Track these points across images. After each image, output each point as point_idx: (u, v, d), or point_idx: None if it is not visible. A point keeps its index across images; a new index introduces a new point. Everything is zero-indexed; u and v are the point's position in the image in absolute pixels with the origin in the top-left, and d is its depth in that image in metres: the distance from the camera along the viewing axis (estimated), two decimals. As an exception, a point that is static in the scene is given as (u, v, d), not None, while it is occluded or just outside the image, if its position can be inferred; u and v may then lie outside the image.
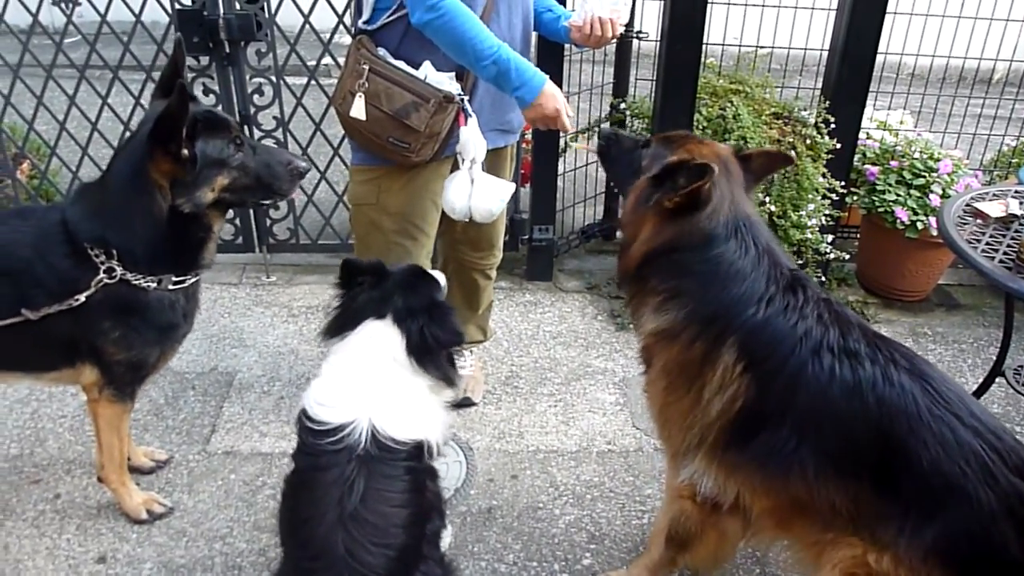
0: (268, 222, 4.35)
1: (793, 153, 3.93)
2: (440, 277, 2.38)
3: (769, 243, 2.17)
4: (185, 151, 2.30)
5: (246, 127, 4.05)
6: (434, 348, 2.13)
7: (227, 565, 2.74)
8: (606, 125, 4.59)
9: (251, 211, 4.30)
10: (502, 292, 4.30)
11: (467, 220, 2.73)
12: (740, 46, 4.40)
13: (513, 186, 2.76)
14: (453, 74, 2.67)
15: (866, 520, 1.94)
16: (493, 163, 2.97)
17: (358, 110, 2.66)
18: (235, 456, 3.20)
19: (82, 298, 2.36)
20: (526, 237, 4.39)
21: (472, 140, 2.63)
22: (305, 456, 2.05)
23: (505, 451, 3.29)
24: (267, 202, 2.66)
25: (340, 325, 2.17)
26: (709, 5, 3.80)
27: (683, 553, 2.39)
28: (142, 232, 2.40)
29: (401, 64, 2.63)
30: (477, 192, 2.66)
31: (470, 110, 2.65)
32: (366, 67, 2.62)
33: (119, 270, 2.40)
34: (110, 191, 2.42)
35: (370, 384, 2.06)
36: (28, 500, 2.97)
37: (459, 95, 2.64)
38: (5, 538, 2.81)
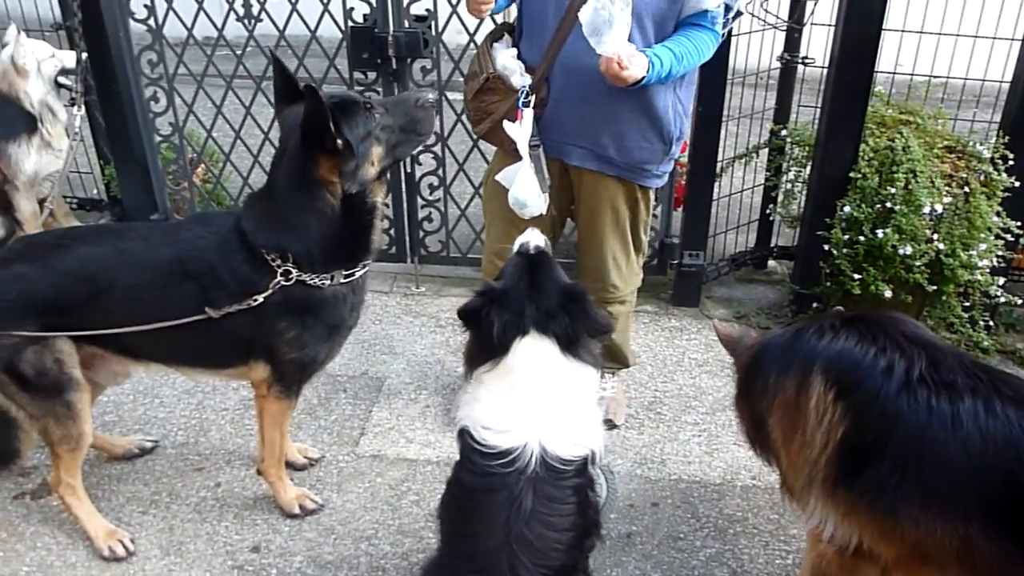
0: (421, 234, 4.46)
1: (966, 189, 3.75)
2: (538, 238, 2.33)
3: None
4: (340, 141, 2.41)
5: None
6: (584, 339, 2.14)
7: (372, 566, 2.82)
8: (764, 151, 4.50)
9: (405, 223, 4.43)
10: (647, 316, 4.26)
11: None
12: (912, 75, 4.23)
13: (535, 197, 2.79)
14: (522, 65, 2.79)
15: (983, 564, 1.88)
16: (595, 190, 2.98)
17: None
18: (382, 460, 3.29)
19: (260, 299, 2.51)
20: (675, 262, 4.33)
21: (519, 135, 2.73)
22: (473, 475, 2.06)
23: (647, 477, 3.25)
24: (417, 147, 2.80)
25: (487, 353, 2.15)
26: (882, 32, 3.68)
27: None
28: (317, 233, 2.53)
29: (498, 45, 2.85)
30: (515, 184, 2.80)
31: (523, 102, 2.73)
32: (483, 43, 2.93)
33: (295, 272, 2.53)
34: (281, 200, 2.55)
35: (535, 405, 2.06)
36: (191, 486, 3.14)
37: (522, 87, 2.74)
38: (170, 520, 2.99)
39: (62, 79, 4.46)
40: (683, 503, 3.13)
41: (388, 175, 2.82)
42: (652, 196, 3.15)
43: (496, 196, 3.03)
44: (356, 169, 2.48)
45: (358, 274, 2.69)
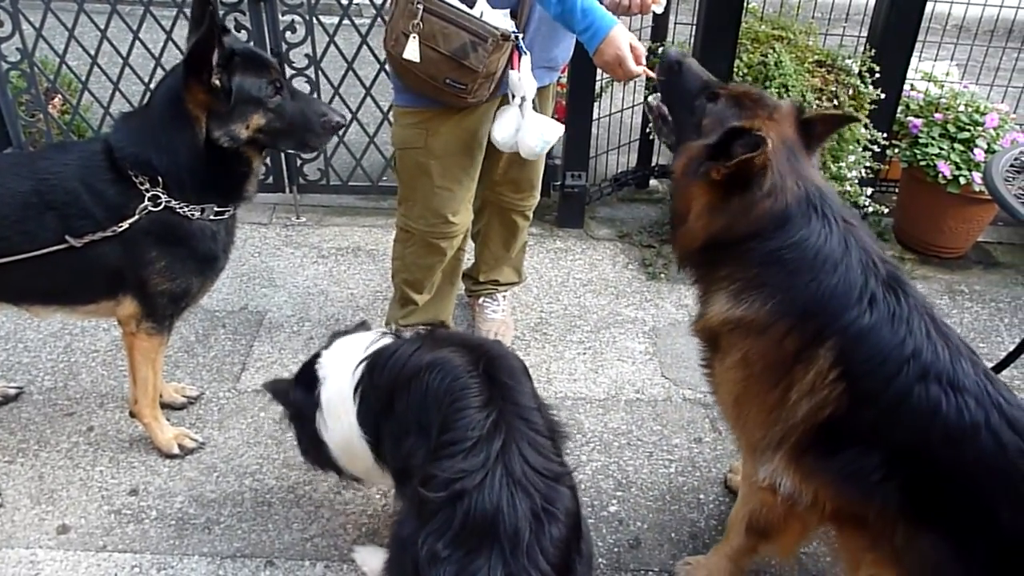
0: (298, 162, 4.31)
1: (836, 102, 3.84)
2: None
3: (849, 219, 2.02)
4: (217, 81, 2.32)
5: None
6: None
7: (257, 501, 2.77)
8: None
9: (282, 152, 4.27)
10: (532, 238, 4.25)
11: (511, 152, 2.72)
12: (784, -9, 4.28)
13: (562, 128, 2.73)
14: (508, 11, 2.61)
15: (917, 558, 1.90)
16: (542, 105, 2.95)
17: (412, 52, 2.55)
18: (265, 394, 3.19)
19: (125, 225, 2.41)
20: (558, 183, 4.33)
21: (525, 79, 2.60)
22: None
23: (533, 397, 3.28)
24: (298, 151, 2.67)
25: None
26: (754, -53, 3.69)
27: (765, 541, 2.31)
28: (186, 159, 2.44)
29: (454, 1, 2.53)
30: (526, 129, 2.64)
31: (524, 48, 2.60)
32: (420, 7, 2.51)
33: (164, 197, 2.44)
34: (153, 118, 2.45)
35: None
36: (62, 432, 3.00)
37: (514, 33, 2.58)
38: (40, 468, 2.86)
39: None
40: (569, 419, 3.17)
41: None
42: None
43: (443, 156, 2.86)
44: (227, 120, 2.41)
45: (228, 213, 2.63)
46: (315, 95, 4.08)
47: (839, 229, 1.97)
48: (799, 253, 1.95)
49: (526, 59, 2.59)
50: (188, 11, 2.67)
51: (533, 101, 2.69)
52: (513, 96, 2.63)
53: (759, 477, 2.15)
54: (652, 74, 2.53)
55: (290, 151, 2.62)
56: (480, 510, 1.78)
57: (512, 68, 2.61)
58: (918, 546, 1.89)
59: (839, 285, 1.92)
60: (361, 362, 2.24)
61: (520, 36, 2.59)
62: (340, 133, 4.22)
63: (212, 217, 2.55)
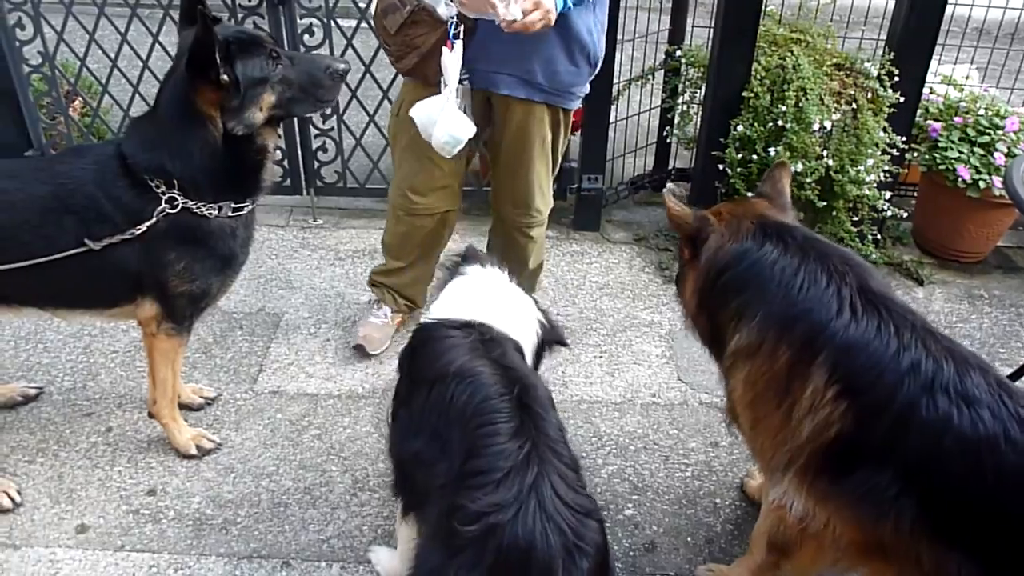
0: (316, 165, 4.33)
1: (854, 106, 3.82)
2: None
3: (811, 237, 2.17)
4: (225, 76, 2.33)
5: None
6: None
7: (273, 502, 2.78)
8: (660, 73, 4.48)
9: (299, 153, 4.29)
10: (549, 241, 4.24)
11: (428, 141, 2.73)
12: (803, -6, 4.26)
13: (472, 131, 2.68)
14: None
15: None
16: (524, 118, 2.95)
17: (373, 5, 2.81)
18: (282, 396, 3.23)
19: (143, 228, 2.41)
20: (574, 186, 4.32)
21: (452, 66, 2.62)
22: None
23: (549, 400, 3.27)
24: (315, 110, 2.69)
25: None
26: (773, -50, 3.68)
27: (786, 559, 2.29)
28: (201, 161, 2.44)
29: None
30: (440, 121, 2.64)
31: (453, 33, 2.62)
32: None
33: (180, 199, 2.44)
34: (164, 123, 2.45)
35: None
36: (81, 432, 3.03)
37: (449, 17, 2.62)
38: (59, 468, 2.88)
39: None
40: (585, 423, 3.17)
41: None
42: (570, 117, 3.14)
43: (409, 129, 2.89)
44: (241, 110, 2.41)
45: (247, 208, 2.62)
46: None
47: (795, 244, 2.11)
48: (758, 270, 2.11)
49: (457, 47, 2.62)
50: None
51: (459, 97, 2.69)
52: (443, 84, 2.64)
53: (771, 498, 2.18)
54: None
55: (307, 113, 2.69)
56: (513, 545, 1.74)
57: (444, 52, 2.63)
58: (947, 569, 1.87)
59: (808, 289, 2.02)
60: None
61: (454, 21, 2.61)
62: (357, 135, 4.26)
63: (230, 214, 2.56)
